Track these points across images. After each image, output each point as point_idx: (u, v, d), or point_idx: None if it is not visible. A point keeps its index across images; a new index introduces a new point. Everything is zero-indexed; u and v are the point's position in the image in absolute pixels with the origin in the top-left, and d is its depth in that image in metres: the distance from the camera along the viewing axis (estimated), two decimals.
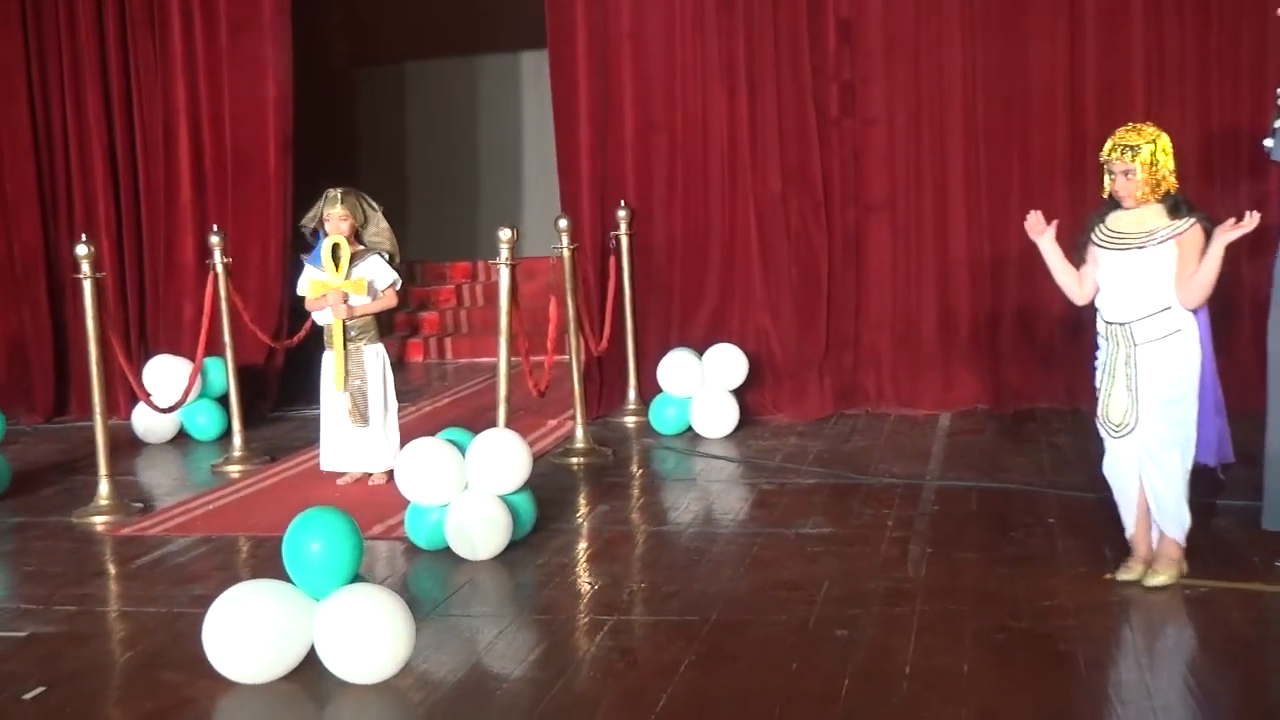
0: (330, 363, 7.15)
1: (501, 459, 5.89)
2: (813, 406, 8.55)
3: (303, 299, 7.27)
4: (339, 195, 7.04)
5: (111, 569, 6.04)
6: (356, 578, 4.60)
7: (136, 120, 9.59)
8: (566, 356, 7.87)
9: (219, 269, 7.92)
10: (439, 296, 13.05)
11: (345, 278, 7.01)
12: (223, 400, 8.51)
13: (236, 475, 7.80)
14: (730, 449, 7.89)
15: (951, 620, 4.85)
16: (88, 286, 6.83)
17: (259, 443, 8.41)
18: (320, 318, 7.22)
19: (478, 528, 5.76)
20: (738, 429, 8.19)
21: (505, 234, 6.79)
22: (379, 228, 7.17)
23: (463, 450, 5.91)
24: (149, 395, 7.62)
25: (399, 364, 12.30)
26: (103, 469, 6.92)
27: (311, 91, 12.87)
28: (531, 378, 7.03)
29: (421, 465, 5.83)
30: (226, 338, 7.96)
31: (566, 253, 7.78)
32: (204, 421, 8.79)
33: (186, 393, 7.87)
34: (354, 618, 4.39)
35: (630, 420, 8.71)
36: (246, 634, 4.41)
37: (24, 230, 9.62)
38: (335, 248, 6.98)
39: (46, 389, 9.61)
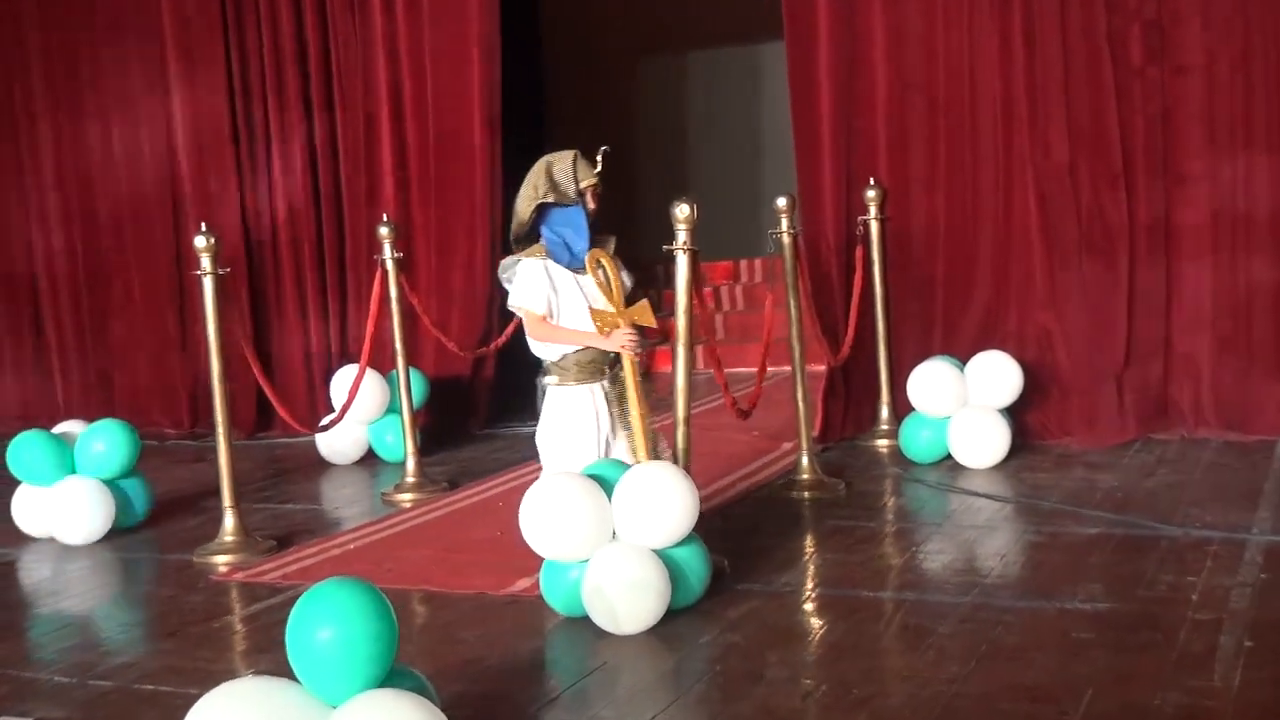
0: (616, 414, 4.97)
1: (657, 502, 4.47)
2: (1109, 430, 6.96)
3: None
4: (599, 156, 5.01)
5: (190, 628, 4.92)
6: (391, 676, 3.30)
7: (337, 108, 8.93)
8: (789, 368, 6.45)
9: (389, 265, 6.84)
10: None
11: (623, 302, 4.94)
12: (420, 415, 7.49)
13: (407, 505, 6.73)
14: (996, 483, 6.33)
15: None
16: (208, 284, 5.88)
17: (449, 465, 7.47)
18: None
19: (621, 592, 4.39)
20: (1009, 457, 6.64)
21: (683, 210, 5.22)
22: None
23: (610, 489, 4.55)
24: (290, 411, 6.53)
25: (645, 375, 11.17)
26: (227, 499, 5.93)
27: (587, 81, 12.19)
28: (728, 393, 5.59)
29: (552, 509, 4.48)
30: (398, 344, 6.92)
31: (786, 239, 6.30)
32: (392, 440, 7.75)
33: (345, 409, 6.79)
34: None
35: (882, 444, 7.31)
36: None
37: (225, 230, 8.88)
38: (599, 264, 4.89)
39: (248, 403, 8.82)
